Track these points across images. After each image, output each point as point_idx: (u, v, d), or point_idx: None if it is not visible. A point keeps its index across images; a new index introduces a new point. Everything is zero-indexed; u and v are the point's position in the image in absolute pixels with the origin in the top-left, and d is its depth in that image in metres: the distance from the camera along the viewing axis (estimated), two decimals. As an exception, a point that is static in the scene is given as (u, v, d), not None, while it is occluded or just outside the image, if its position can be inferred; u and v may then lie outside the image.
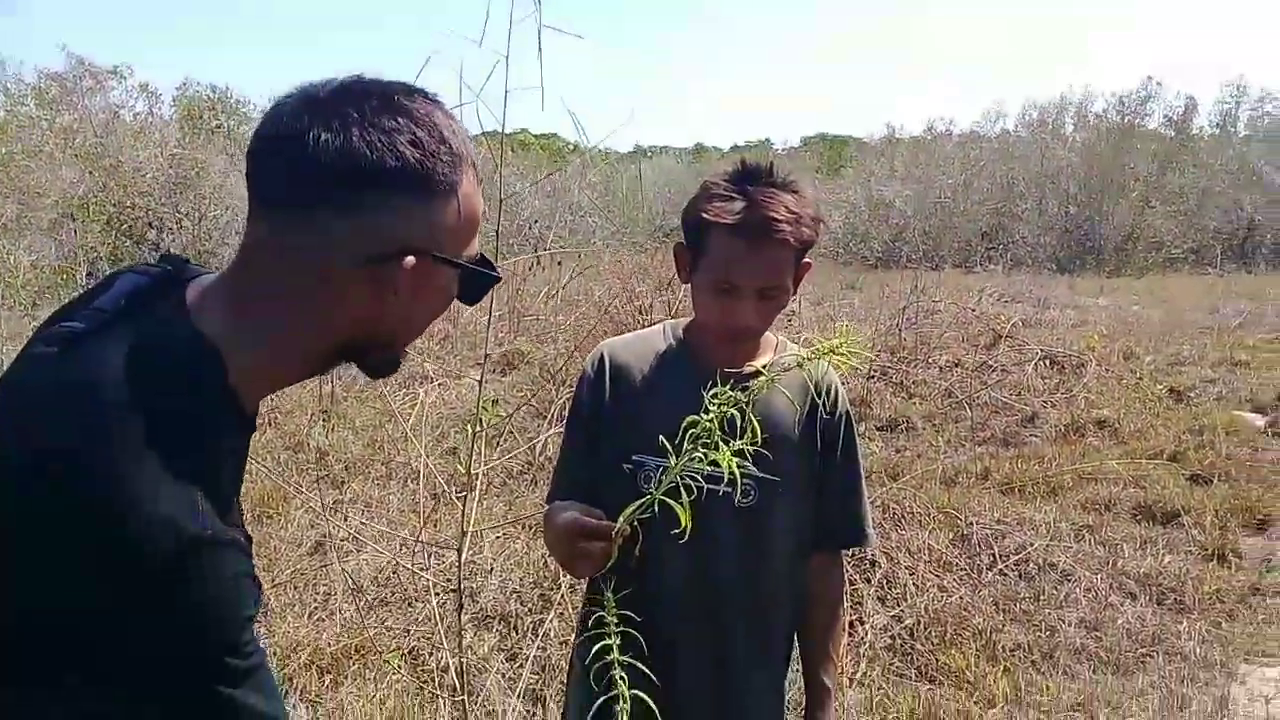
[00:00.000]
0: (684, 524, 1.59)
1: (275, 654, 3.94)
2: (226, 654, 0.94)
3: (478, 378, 3.49)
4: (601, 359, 1.96)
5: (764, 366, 1.91)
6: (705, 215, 1.78)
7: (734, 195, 1.78)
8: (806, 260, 1.85)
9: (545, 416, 6.30)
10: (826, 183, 24.00)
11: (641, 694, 1.62)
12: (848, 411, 1.99)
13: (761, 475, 1.82)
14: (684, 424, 1.65)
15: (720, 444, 1.61)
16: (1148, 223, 19.42)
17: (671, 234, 11.36)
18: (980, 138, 24.98)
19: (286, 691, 3.70)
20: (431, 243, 1.04)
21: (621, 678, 1.64)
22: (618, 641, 1.65)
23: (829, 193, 22.17)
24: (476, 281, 1.12)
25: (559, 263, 9.95)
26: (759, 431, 1.63)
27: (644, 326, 2.12)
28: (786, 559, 1.93)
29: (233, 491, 1.02)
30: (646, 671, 1.62)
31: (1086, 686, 4.01)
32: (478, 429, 3.13)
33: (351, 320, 1.05)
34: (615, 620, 1.68)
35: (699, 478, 1.68)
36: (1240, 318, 11.11)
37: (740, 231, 1.76)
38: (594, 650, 1.66)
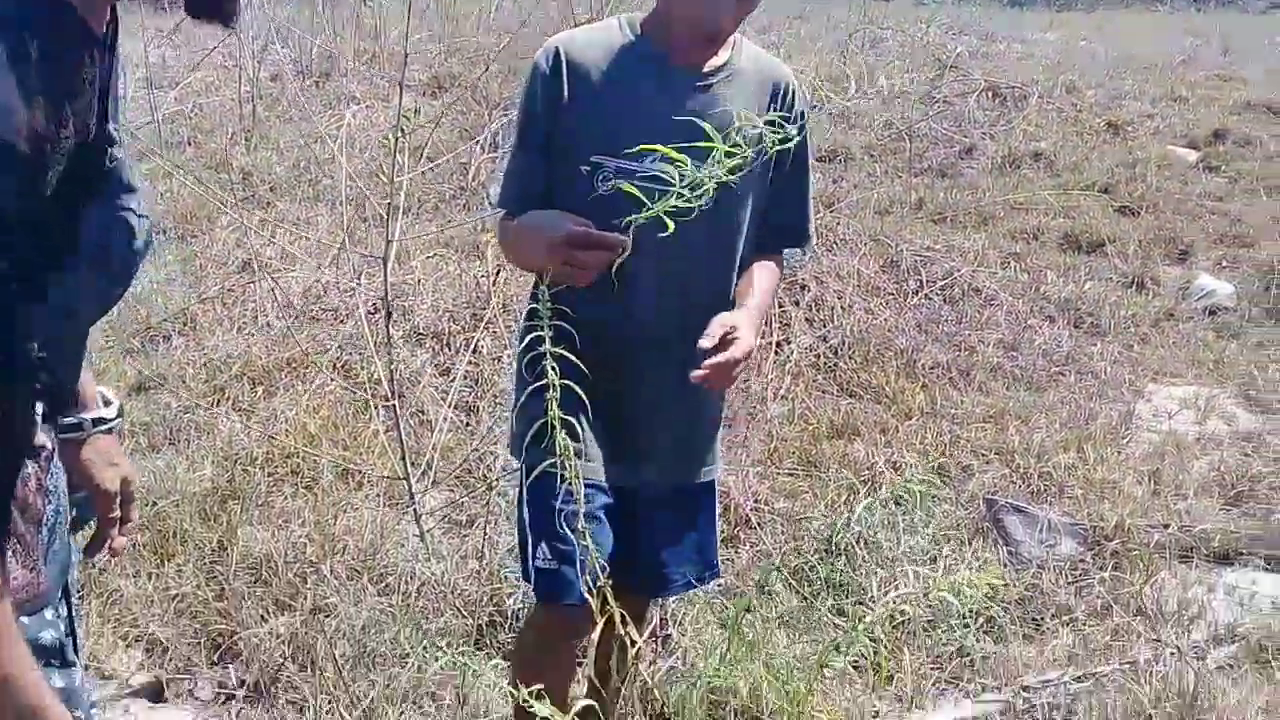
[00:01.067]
0: (669, 229, 1.58)
1: (205, 366, 3.94)
2: None
3: (403, 97, 3.36)
4: (557, 54, 1.84)
5: (726, 63, 1.85)
6: None
7: None
8: None
9: (477, 140, 6.12)
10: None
11: (571, 384, 1.65)
12: (804, 113, 1.94)
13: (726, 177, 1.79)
14: (674, 122, 1.64)
15: (709, 145, 1.61)
16: (1104, -45, 18.81)
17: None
18: None
19: (219, 400, 3.74)
20: None
21: (553, 368, 1.66)
22: (550, 334, 1.67)
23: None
24: None
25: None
26: (754, 124, 1.61)
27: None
28: (743, 259, 1.95)
29: (82, 107, 0.96)
30: (576, 362, 1.65)
31: (999, 401, 4.18)
32: (399, 136, 3.03)
33: None
34: (549, 313, 1.68)
35: (674, 178, 1.65)
36: (1184, 55, 10.98)
37: None
38: (527, 340, 1.67)
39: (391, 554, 2.96)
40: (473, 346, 4.10)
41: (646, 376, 1.90)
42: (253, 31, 7.29)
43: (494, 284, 4.40)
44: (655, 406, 1.93)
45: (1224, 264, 5.85)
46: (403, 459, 3.08)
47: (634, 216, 1.65)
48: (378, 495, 3.26)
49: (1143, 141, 7.78)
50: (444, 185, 6.01)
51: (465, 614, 2.75)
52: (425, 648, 2.63)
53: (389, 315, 3.10)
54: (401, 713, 2.41)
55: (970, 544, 3.23)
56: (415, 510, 3.06)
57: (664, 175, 1.65)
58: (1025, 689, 2.66)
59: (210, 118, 6.85)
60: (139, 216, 1.10)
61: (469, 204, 5.81)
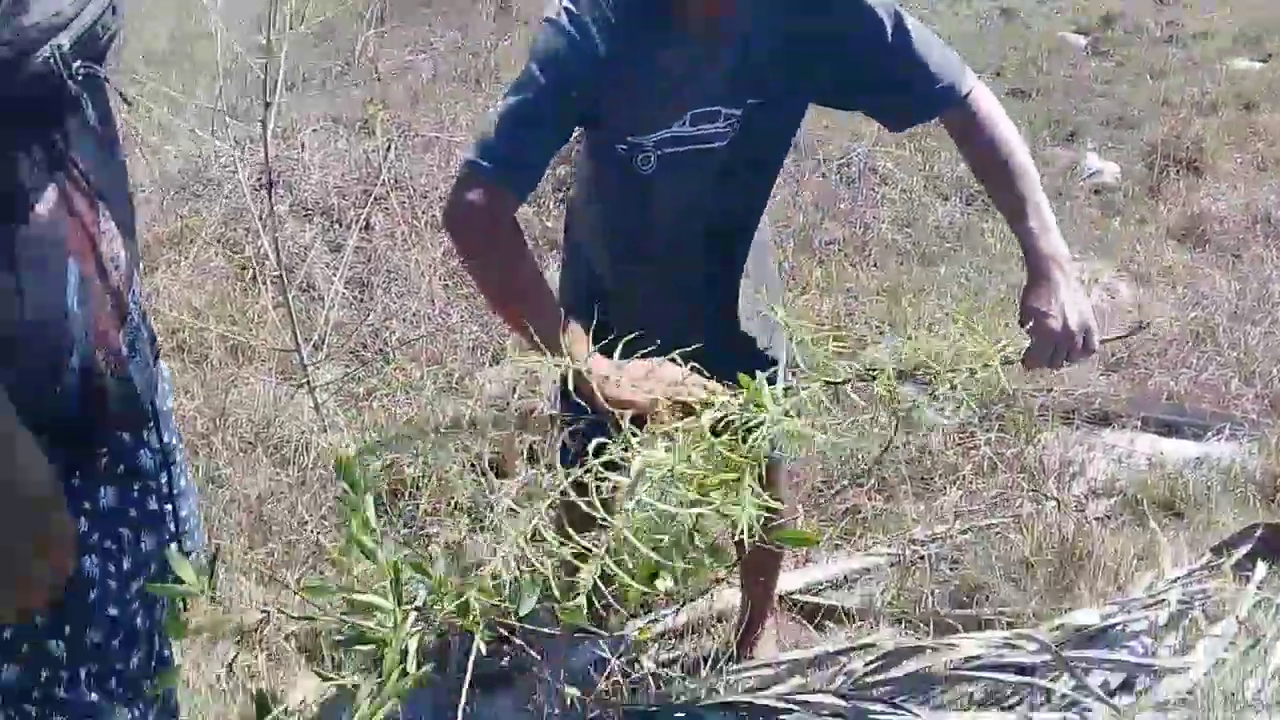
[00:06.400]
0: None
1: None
2: None
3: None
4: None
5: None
6: None
7: None
8: None
9: (364, 18, 5.88)
10: None
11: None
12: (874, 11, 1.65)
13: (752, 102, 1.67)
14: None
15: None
16: None
17: None
18: None
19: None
20: None
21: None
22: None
23: None
24: None
25: None
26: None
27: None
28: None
29: None
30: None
31: (894, 275, 4.24)
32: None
33: None
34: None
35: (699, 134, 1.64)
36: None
37: None
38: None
39: (286, 426, 2.90)
40: (364, 222, 4.00)
41: (678, 292, 1.84)
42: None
43: (385, 160, 4.27)
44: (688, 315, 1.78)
45: (1110, 145, 5.97)
46: (293, 331, 3.00)
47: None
48: (269, 370, 3.18)
49: (1034, 26, 7.86)
50: (331, 62, 5.79)
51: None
52: (324, 516, 2.61)
53: (271, 184, 2.98)
54: (299, 576, 2.38)
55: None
56: (309, 382, 2.99)
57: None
58: (914, 542, 2.75)
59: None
60: None
61: (359, 81, 5.62)
